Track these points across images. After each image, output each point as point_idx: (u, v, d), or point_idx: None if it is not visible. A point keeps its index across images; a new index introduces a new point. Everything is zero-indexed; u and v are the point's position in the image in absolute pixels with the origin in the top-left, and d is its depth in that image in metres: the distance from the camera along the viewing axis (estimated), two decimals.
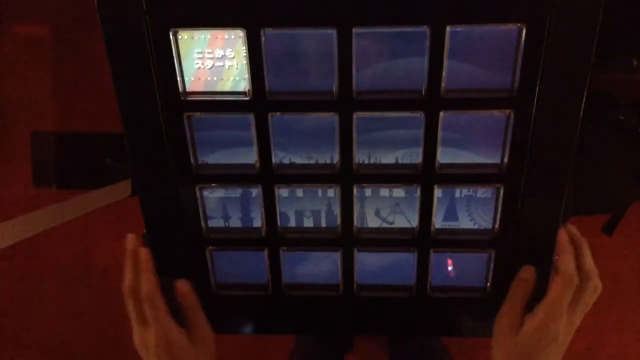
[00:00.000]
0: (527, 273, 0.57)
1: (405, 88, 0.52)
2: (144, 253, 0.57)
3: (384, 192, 0.59)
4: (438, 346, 1.03)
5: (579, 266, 0.54)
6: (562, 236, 0.55)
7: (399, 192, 0.59)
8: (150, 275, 0.56)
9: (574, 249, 0.55)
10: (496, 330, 0.58)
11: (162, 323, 0.55)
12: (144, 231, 0.60)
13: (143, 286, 0.55)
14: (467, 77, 0.51)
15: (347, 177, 0.56)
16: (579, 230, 0.57)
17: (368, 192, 0.59)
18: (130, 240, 0.58)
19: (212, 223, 0.61)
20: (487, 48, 0.50)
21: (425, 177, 0.56)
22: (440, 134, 0.53)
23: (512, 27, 0.49)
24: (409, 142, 0.55)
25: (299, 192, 0.59)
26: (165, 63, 0.51)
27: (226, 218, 0.61)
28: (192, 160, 0.56)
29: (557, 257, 0.55)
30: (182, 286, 0.59)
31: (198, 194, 0.59)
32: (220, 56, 0.52)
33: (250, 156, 0.56)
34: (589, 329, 1.36)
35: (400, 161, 0.56)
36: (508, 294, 0.58)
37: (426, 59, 0.50)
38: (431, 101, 0.52)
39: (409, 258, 0.61)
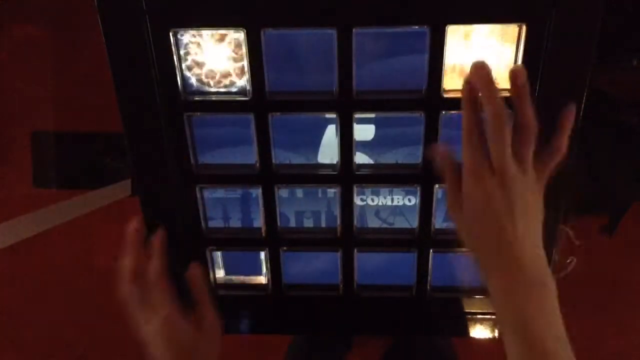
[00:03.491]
0: (441, 148, 0.49)
1: (405, 88, 0.52)
2: (159, 234, 0.56)
3: (384, 192, 0.59)
4: (446, 347, 1.02)
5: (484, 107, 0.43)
6: (465, 87, 0.45)
7: (398, 199, 0.59)
8: (162, 258, 0.55)
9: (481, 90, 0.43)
10: (450, 217, 0.52)
11: (170, 308, 0.53)
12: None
13: (151, 269, 0.54)
14: None
15: (347, 177, 0.56)
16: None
17: (368, 193, 0.59)
18: (135, 221, 0.56)
19: (212, 224, 0.61)
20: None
21: (426, 177, 0.56)
22: (440, 133, 0.53)
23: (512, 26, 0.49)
24: (410, 142, 0.55)
25: (299, 193, 0.59)
26: (165, 63, 0.51)
27: (226, 219, 0.61)
28: (192, 160, 0.56)
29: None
30: (195, 270, 0.57)
31: (198, 194, 0.59)
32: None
33: (250, 156, 0.56)
34: (589, 328, 1.36)
35: (400, 161, 0.56)
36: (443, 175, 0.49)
37: (426, 59, 0.50)
38: (431, 101, 0.52)
39: (409, 258, 0.61)
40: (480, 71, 0.43)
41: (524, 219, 0.43)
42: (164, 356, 0.53)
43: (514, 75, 0.43)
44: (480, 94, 0.43)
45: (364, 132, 0.55)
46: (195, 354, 0.55)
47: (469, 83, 0.45)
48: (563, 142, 0.46)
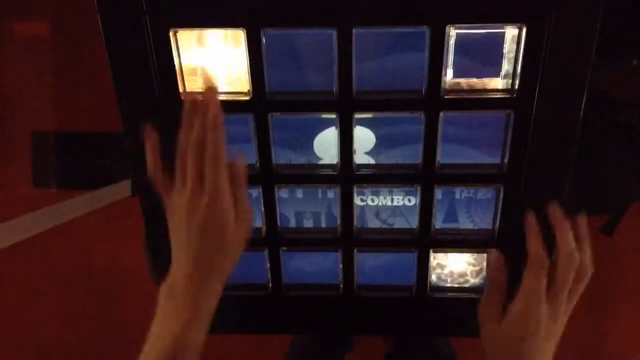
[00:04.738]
0: (498, 261, 0.56)
1: (405, 88, 0.52)
2: (217, 106, 0.48)
3: (384, 192, 0.59)
4: (446, 347, 1.02)
5: (557, 248, 0.51)
6: (530, 219, 0.53)
7: (398, 199, 0.59)
8: (221, 134, 0.48)
9: (556, 231, 0.52)
10: (481, 324, 0.56)
11: (221, 189, 0.48)
12: (144, 231, 0.60)
13: (210, 145, 0.48)
14: (467, 76, 0.51)
15: (347, 177, 0.56)
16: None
17: (368, 193, 0.59)
18: (209, 90, 0.50)
19: None
20: (488, 48, 0.50)
21: (426, 177, 0.56)
22: (440, 133, 0.53)
23: (512, 28, 0.49)
24: (409, 142, 0.55)
25: (299, 194, 0.59)
26: (165, 63, 0.51)
27: None
28: None
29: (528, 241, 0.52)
30: (241, 159, 0.51)
31: None
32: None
33: (250, 156, 0.56)
34: (589, 328, 1.36)
35: (400, 161, 0.56)
36: (486, 285, 0.57)
37: (426, 59, 0.50)
38: (431, 101, 0.52)
39: (409, 258, 0.61)
40: (560, 216, 0.51)
41: (552, 348, 0.52)
42: (199, 233, 0.49)
43: (576, 225, 0.52)
44: (557, 236, 0.51)
45: (364, 138, 0.56)
46: (228, 241, 0.50)
47: (535, 216, 0.52)
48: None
